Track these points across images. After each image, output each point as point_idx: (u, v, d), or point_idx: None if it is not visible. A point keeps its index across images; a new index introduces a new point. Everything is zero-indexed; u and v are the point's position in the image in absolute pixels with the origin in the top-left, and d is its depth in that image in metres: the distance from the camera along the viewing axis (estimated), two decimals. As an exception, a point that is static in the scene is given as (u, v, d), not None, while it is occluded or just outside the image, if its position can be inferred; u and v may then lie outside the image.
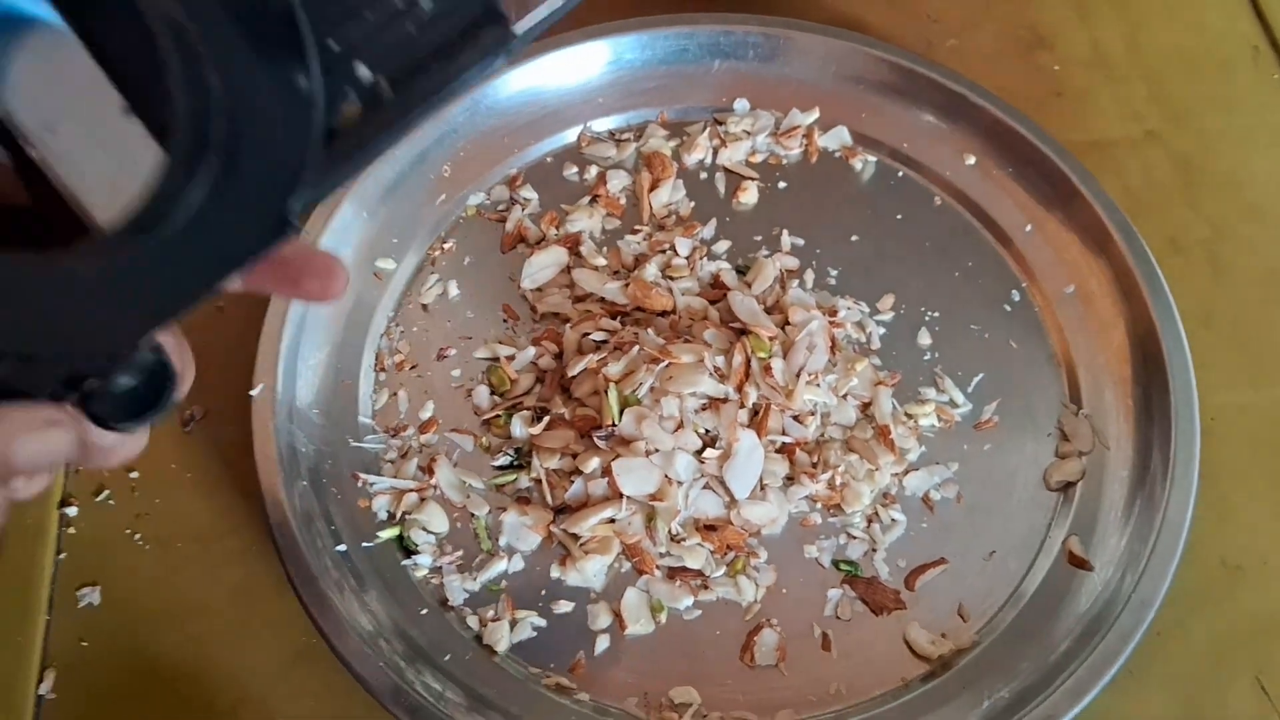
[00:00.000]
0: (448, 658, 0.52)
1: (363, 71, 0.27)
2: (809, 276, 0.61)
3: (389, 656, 0.50)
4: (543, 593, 0.54)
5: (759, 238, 0.63)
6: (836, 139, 0.66)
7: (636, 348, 0.56)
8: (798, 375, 0.55)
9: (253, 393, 0.55)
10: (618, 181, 0.65)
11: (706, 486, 0.54)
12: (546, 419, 0.56)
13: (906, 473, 0.56)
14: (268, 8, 0.24)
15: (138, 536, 0.55)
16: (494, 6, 0.28)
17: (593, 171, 0.65)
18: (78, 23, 0.25)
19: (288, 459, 0.55)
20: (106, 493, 0.56)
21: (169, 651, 0.53)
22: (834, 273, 0.61)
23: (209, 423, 0.58)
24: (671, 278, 0.61)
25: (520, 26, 0.29)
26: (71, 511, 0.56)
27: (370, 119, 0.27)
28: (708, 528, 0.54)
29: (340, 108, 0.26)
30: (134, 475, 0.57)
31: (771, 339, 0.56)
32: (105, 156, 0.25)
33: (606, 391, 0.55)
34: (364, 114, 0.27)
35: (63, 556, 0.55)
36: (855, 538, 0.55)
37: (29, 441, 0.27)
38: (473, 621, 0.53)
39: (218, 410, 0.58)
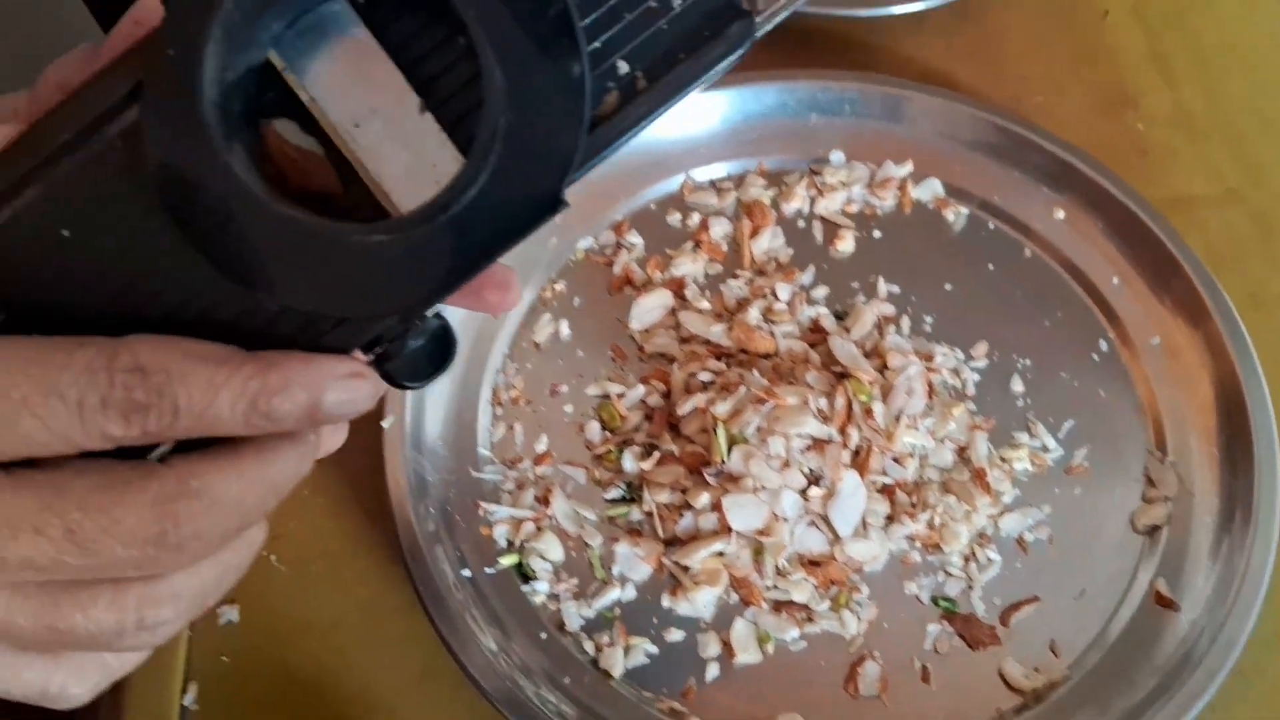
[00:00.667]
0: (567, 679, 0.55)
1: (621, 66, 0.31)
2: (905, 323, 0.64)
3: (511, 674, 0.54)
4: (655, 621, 0.57)
5: (856, 284, 0.66)
6: (929, 190, 0.69)
7: (743, 389, 0.59)
8: (897, 418, 0.59)
9: (384, 424, 0.59)
10: (719, 228, 0.68)
11: (811, 524, 0.57)
12: (657, 455, 0.60)
13: (1001, 514, 0.59)
14: (548, 11, 0.28)
15: (274, 557, 0.59)
16: (738, 2, 0.31)
17: (695, 218, 0.69)
18: (380, 31, 0.29)
19: (416, 487, 0.58)
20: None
21: (303, 665, 0.57)
22: (929, 320, 0.64)
23: (339, 451, 0.61)
24: (773, 321, 0.64)
25: (761, 18, 0.32)
26: (210, 532, 0.59)
27: (627, 108, 0.31)
28: (812, 563, 0.57)
29: (602, 99, 0.30)
30: (269, 499, 0.60)
31: (871, 383, 0.59)
32: (404, 149, 0.29)
33: (715, 430, 0.58)
34: (621, 104, 0.31)
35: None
36: (953, 575, 0.57)
37: (339, 389, 0.30)
38: (589, 646, 0.56)
39: (347, 441, 0.62)
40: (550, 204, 0.29)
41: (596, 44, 0.30)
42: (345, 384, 0.30)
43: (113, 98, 0.29)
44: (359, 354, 0.31)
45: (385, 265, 0.29)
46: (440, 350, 0.32)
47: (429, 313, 0.31)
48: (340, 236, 0.28)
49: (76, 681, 0.32)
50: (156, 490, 0.29)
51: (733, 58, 0.32)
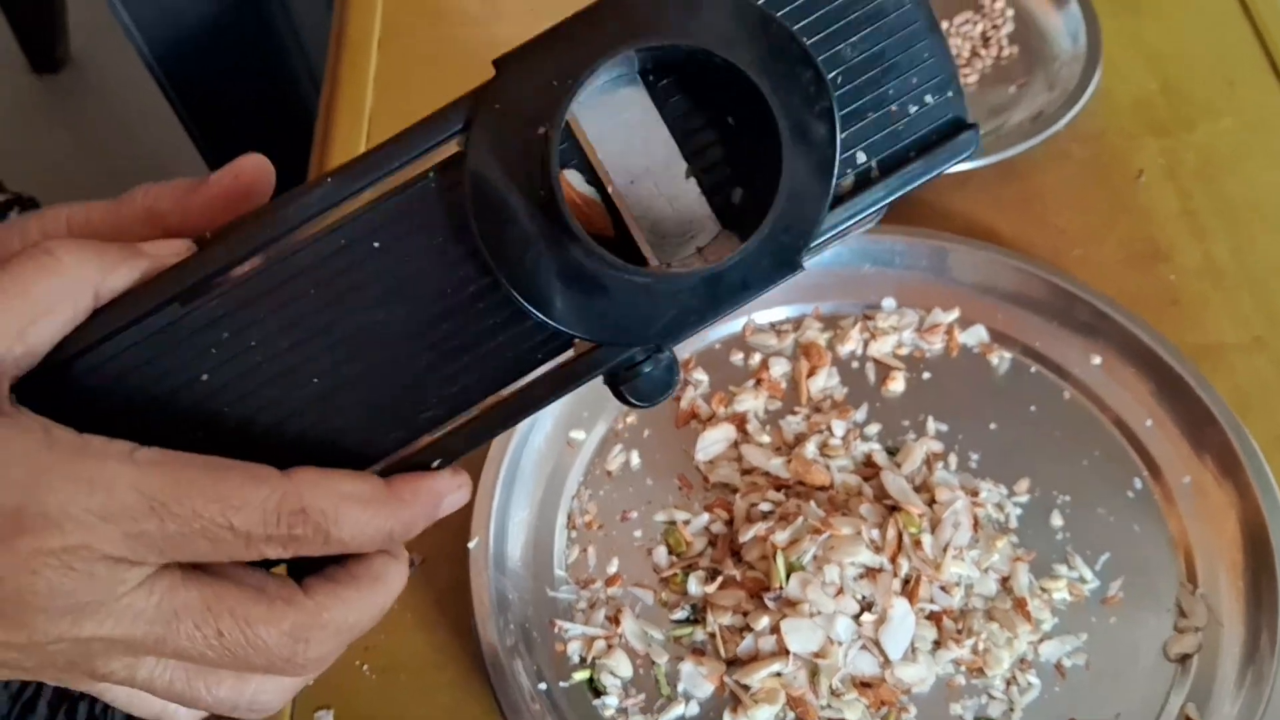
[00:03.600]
0: (636, 789, 0.59)
1: (860, 157, 0.36)
2: (953, 460, 0.69)
3: (584, 784, 0.58)
4: (717, 735, 0.61)
5: (906, 422, 0.71)
6: (975, 336, 0.74)
7: (801, 519, 0.64)
8: (945, 550, 0.63)
9: (470, 545, 0.64)
10: (778, 367, 0.74)
11: (864, 647, 0.61)
12: (720, 579, 0.64)
13: (1041, 641, 0.63)
14: (817, 105, 0.34)
15: (365, 667, 0.64)
16: (964, 118, 0.37)
17: (756, 358, 0.74)
18: (660, 103, 0.35)
19: (497, 604, 0.63)
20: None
21: (391, 770, 0.61)
22: (975, 457, 0.69)
23: (427, 568, 0.67)
24: (828, 456, 0.69)
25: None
26: (308, 642, 0.65)
27: (861, 194, 0.36)
28: (864, 684, 0.61)
29: (842, 182, 0.36)
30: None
31: (921, 516, 0.64)
32: (669, 206, 0.35)
33: (774, 557, 0.62)
34: (855, 189, 0.36)
35: (301, 681, 0.63)
36: (995, 698, 0.61)
37: (448, 506, 0.38)
38: (655, 757, 0.61)
39: (434, 558, 0.67)
40: (792, 267, 0.35)
41: (843, 134, 0.35)
42: (455, 494, 0.38)
43: (437, 136, 0.35)
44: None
45: (648, 303, 0.35)
46: (668, 379, 0.37)
47: (668, 346, 0.37)
48: (623, 273, 0.34)
49: None
50: (295, 619, 0.35)
51: (956, 161, 0.37)
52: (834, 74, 0.36)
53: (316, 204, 0.35)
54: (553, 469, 0.70)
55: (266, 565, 0.36)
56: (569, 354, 0.37)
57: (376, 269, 0.35)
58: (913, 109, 0.36)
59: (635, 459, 0.70)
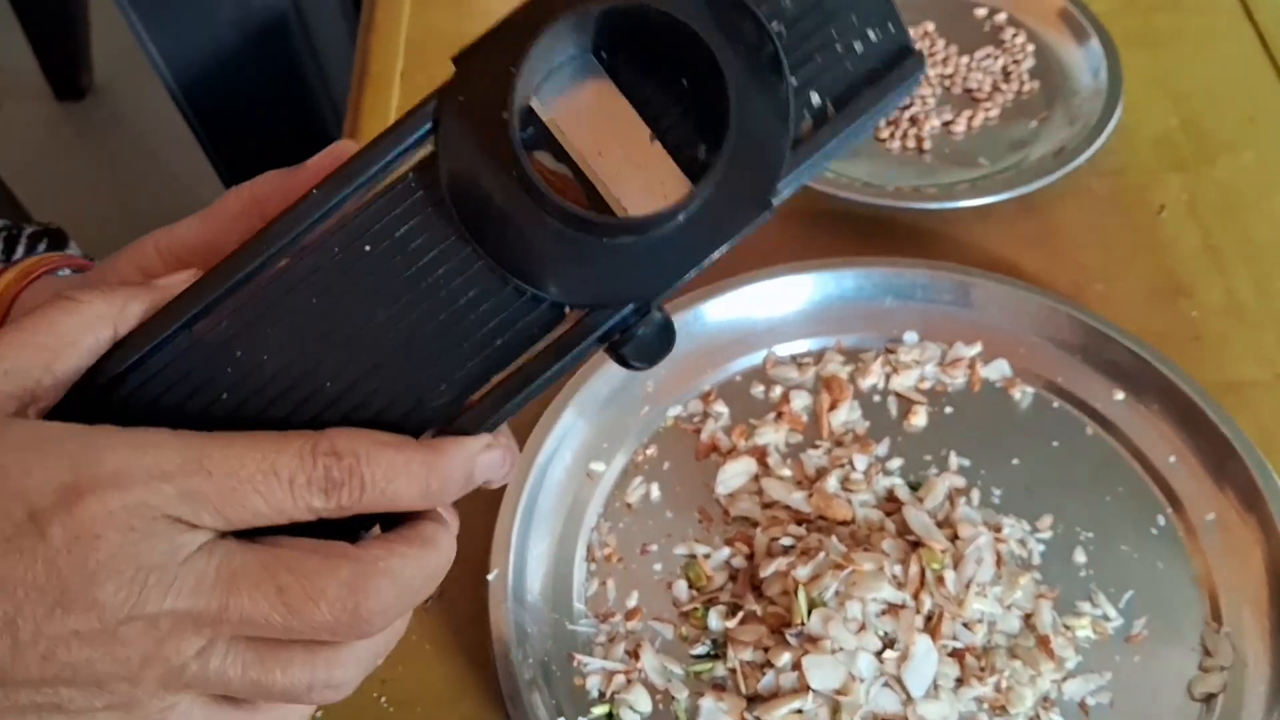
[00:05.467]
0: (655, 825, 0.59)
1: (814, 97, 0.38)
2: (975, 495, 0.68)
3: (603, 821, 0.58)
4: (737, 772, 0.61)
5: (929, 457, 0.71)
6: (997, 371, 0.74)
7: (823, 554, 0.63)
8: (968, 586, 0.63)
9: (489, 577, 0.64)
10: (800, 401, 0.73)
11: (886, 684, 0.61)
12: (740, 614, 0.64)
13: (1065, 679, 0.62)
14: (763, 51, 0.36)
15: (383, 700, 0.64)
16: (909, 44, 0.39)
17: (777, 391, 0.74)
18: (615, 76, 0.38)
19: (516, 637, 0.63)
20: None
21: (409, 804, 0.61)
22: (997, 493, 0.69)
23: (445, 601, 0.67)
24: (850, 490, 0.68)
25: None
26: (327, 674, 0.64)
27: (820, 131, 0.38)
28: (886, 721, 0.61)
29: (800, 124, 0.38)
30: (381, 644, 0.65)
31: (943, 552, 0.63)
32: (638, 171, 0.37)
33: (796, 593, 0.62)
34: (815, 128, 0.38)
35: (319, 714, 0.63)
36: (1019, 737, 0.61)
37: (484, 459, 0.39)
38: (675, 794, 0.60)
39: (452, 590, 0.67)
40: (762, 206, 0.37)
41: (794, 80, 0.37)
42: (488, 454, 0.39)
43: (408, 139, 0.38)
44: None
45: (629, 261, 0.37)
46: (664, 338, 0.39)
47: (657, 306, 0.38)
48: (599, 229, 0.36)
49: None
50: (353, 567, 0.36)
51: (905, 85, 0.39)
52: (776, 22, 0.38)
53: (304, 218, 0.37)
54: (572, 501, 0.69)
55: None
56: (564, 326, 0.38)
57: (370, 271, 0.38)
58: (858, 46, 0.38)
59: (655, 491, 0.70)
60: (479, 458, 0.38)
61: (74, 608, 0.33)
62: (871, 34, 0.38)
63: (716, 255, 0.37)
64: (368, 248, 0.37)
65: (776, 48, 0.37)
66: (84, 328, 0.37)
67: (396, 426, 0.38)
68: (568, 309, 0.38)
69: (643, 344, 0.38)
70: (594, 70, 0.38)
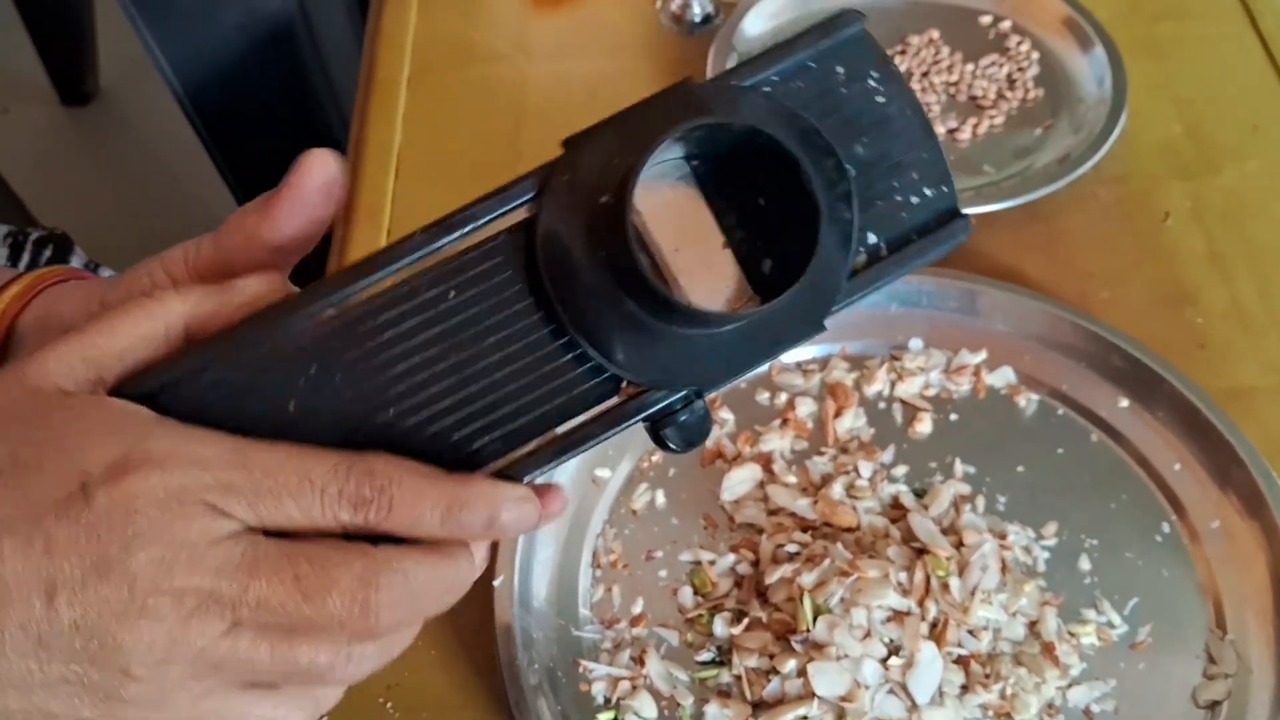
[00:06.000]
0: (661, 832, 0.59)
1: (871, 237, 0.42)
2: (980, 502, 0.69)
3: (608, 827, 0.58)
4: (742, 778, 0.61)
5: (934, 464, 0.71)
6: (1002, 378, 0.74)
7: (828, 561, 0.64)
8: (972, 593, 0.63)
9: (495, 583, 0.64)
10: (805, 408, 0.74)
11: (891, 691, 0.61)
12: (746, 621, 0.64)
13: (1070, 686, 0.62)
14: (838, 188, 0.40)
15: (389, 705, 0.64)
16: (957, 208, 0.43)
17: (782, 398, 0.74)
18: (702, 182, 0.41)
19: (522, 642, 0.63)
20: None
21: (415, 810, 0.61)
22: (1002, 500, 0.69)
23: (451, 609, 0.67)
24: (855, 497, 0.69)
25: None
26: (333, 679, 0.65)
27: (871, 269, 0.42)
28: (891, 728, 0.61)
29: (856, 258, 0.41)
30: (387, 650, 0.66)
31: (948, 559, 0.63)
32: (706, 274, 0.40)
33: (801, 599, 0.62)
34: (867, 265, 0.42)
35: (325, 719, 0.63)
36: (1024, 744, 0.61)
37: (512, 508, 0.39)
38: (681, 800, 0.60)
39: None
40: (815, 328, 0.41)
41: (858, 217, 0.41)
42: (517, 505, 0.40)
43: (511, 202, 0.40)
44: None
45: (693, 352, 0.40)
46: (703, 428, 0.41)
47: (705, 396, 0.41)
48: (680, 317, 0.39)
49: (297, 712, 0.40)
50: (366, 563, 0.37)
51: (953, 243, 0.43)
52: (850, 165, 0.42)
53: (402, 255, 0.40)
54: (578, 507, 0.70)
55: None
56: (615, 400, 0.41)
57: (450, 315, 0.40)
58: (914, 200, 0.43)
59: (660, 498, 0.70)
60: (507, 503, 0.40)
61: (109, 575, 0.35)
62: (928, 191, 0.43)
63: (767, 363, 0.42)
64: (452, 294, 0.40)
65: (850, 189, 0.40)
66: (157, 322, 0.39)
67: (439, 463, 0.39)
68: (625, 384, 0.41)
69: (684, 429, 0.41)
70: (685, 175, 0.41)
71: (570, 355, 0.40)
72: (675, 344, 0.40)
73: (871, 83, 0.43)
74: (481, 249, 0.40)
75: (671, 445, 0.41)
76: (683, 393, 0.40)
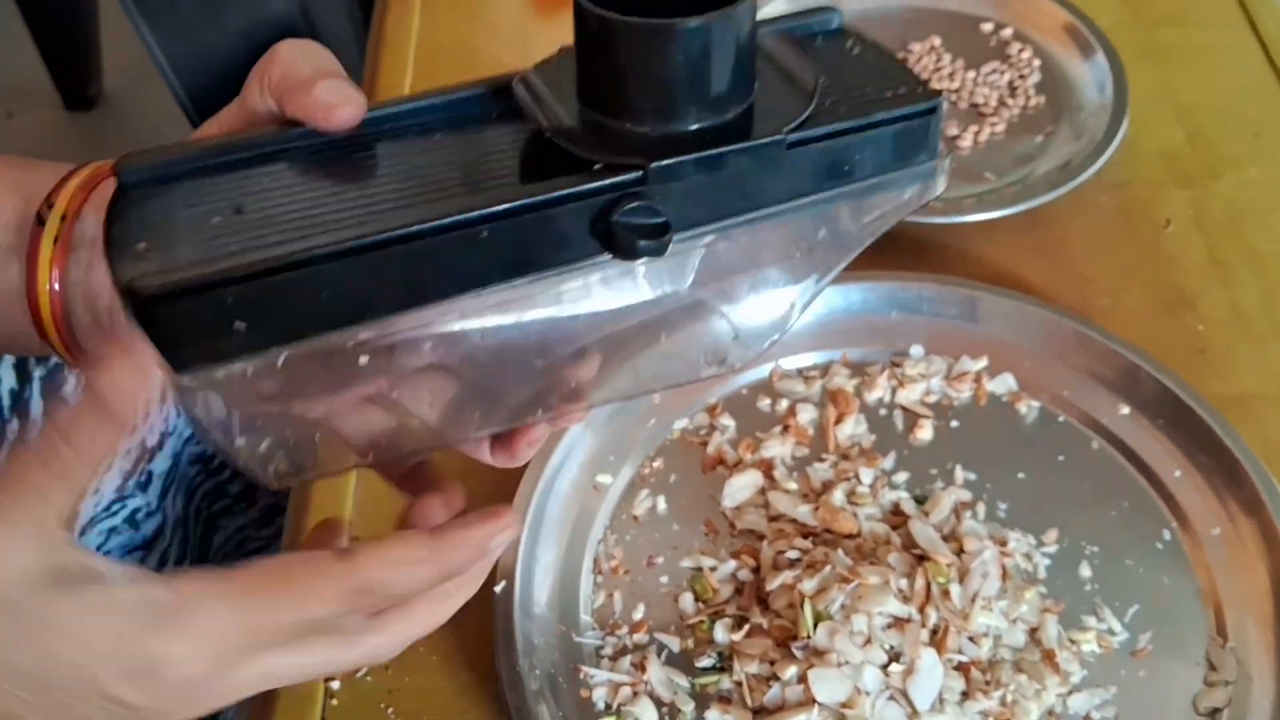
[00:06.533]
0: (661, 838, 0.59)
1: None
2: (981, 509, 0.69)
3: (609, 833, 0.58)
4: (743, 784, 0.61)
5: (934, 471, 0.71)
6: (1003, 385, 0.74)
7: (829, 567, 0.64)
8: (973, 600, 0.63)
9: (496, 589, 0.64)
10: (806, 414, 0.74)
11: (891, 698, 0.61)
12: (746, 627, 0.64)
13: (1070, 693, 0.62)
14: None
15: (390, 710, 0.64)
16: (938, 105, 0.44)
17: (783, 404, 0.75)
18: None
19: (523, 648, 0.63)
20: (364, 670, 0.65)
21: (416, 815, 0.61)
22: (1003, 506, 0.69)
23: (453, 615, 0.67)
24: (856, 504, 0.69)
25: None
26: (335, 685, 0.65)
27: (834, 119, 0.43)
28: (892, 735, 0.61)
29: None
30: (389, 656, 0.66)
31: (949, 565, 0.63)
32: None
33: (802, 606, 0.62)
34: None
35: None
36: (1024, 751, 0.61)
37: (497, 546, 0.48)
38: (681, 806, 0.60)
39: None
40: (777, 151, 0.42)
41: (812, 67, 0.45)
42: (500, 541, 0.47)
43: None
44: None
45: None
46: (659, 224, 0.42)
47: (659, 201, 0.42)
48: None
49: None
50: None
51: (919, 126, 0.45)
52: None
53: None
54: (578, 513, 0.70)
55: None
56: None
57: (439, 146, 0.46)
58: (888, 95, 0.44)
59: (661, 504, 0.71)
60: (492, 541, 0.46)
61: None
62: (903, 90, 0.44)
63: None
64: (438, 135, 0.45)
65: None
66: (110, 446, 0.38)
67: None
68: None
69: (630, 227, 0.41)
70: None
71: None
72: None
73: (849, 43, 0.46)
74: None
75: (621, 244, 0.40)
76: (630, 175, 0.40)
